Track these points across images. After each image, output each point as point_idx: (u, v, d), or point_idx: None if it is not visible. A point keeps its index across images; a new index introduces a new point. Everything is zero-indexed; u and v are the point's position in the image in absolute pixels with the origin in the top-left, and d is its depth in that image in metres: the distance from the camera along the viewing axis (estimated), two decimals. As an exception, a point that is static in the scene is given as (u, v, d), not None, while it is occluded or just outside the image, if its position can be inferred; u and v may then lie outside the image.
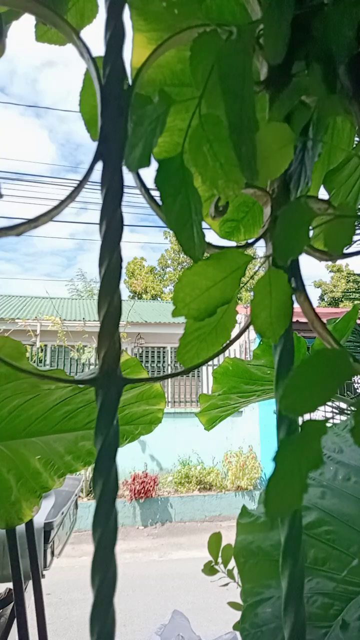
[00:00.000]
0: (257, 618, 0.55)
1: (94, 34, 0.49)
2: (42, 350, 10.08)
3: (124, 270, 0.37)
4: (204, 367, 9.11)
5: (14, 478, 0.80)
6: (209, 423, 1.09)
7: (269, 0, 0.37)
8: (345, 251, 0.37)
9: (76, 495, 2.25)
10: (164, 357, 11.81)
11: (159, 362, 11.74)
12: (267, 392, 1.01)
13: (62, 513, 1.85)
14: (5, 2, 0.38)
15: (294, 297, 0.37)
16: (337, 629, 0.53)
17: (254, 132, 0.33)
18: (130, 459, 7.45)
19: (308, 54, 0.39)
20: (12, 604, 1.47)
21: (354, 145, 0.52)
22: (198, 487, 7.38)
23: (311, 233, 0.34)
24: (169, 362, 11.68)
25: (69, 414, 0.77)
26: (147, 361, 11.64)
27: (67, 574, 4.49)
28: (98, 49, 0.37)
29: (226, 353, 8.91)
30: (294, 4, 0.37)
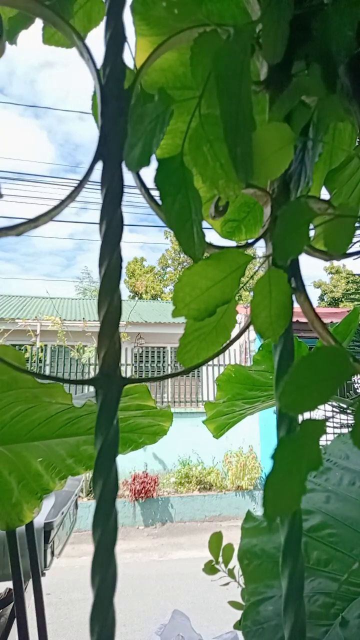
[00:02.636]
0: (259, 615, 0.56)
1: (95, 35, 0.49)
2: (42, 350, 10.08)
3: (124, 270, 0.37)
4: (204, 367, 9.11)
5: (15, 480, 0.80)
6: (217, 430, 1.08)
7: (268, 0, 0.37)
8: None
9: (76, 495, 2.25)
10: (164, 357, 11.81)
11: (159, 362, 11.73)
12: (271, 398, 1.01)
13: (62, 513, 1.85)
14: (5, 2, 0.38)
15: (294, 297, 0.37)
16: (338, 626, 0.53)
17: (250, 133, 0.33)
18: (130, 459, 7.44)
19: (308, 54, 0.39)
20: (12, 604, 1.48)
21: (356, 145, 0.52)
22: (198, 487, 7.37)
23: (312, 233, 0.34)
24: (169, 362, 11.68)
25: (71, 420, 0.77)
26: (147, 361, 11.64)
27: (67, 574, 4.48)
28: (99, 49, 0.37)
29: (226, 353, 8.90)
30: (294, 4, 0.37)
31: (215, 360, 8.96)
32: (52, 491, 0.84)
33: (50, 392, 0.67)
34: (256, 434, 8.00)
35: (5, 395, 0.66)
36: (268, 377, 0.96)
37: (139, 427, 0.84)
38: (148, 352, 11.67)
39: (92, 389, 0.34)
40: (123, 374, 0.34)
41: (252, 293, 0.35)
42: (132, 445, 0.85)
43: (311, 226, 0.34)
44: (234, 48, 0.33)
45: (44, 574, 1.51)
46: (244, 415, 1.09)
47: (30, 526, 1.19)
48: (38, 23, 0.47)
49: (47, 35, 0.52)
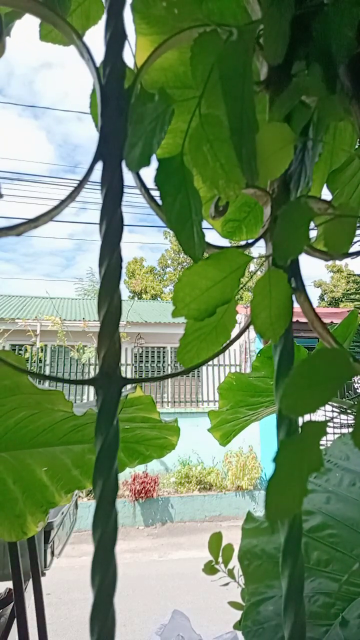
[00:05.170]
0: (259, 615, 0.56)
1: (95, 35, 0.49)
2: (42, 350, 10.08)
3: (124, 270, 0.37)
4: (204, 367, 9.11)
5: (20, 490, 0.78)
6: (224, 438, 1.08)
7: (269, 1, 0.37)
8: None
9: (76, 495, 2.25)
10: (164, 357, 11.81)
11: (159, 362, 11.73)
12: (274, 403, 1.01)
13: (62, 513, 1.85)
14: (5, 2, 0.38)
15: (294, 297, 0.37)
16: (338, 626, 0.53)
17: (254, 133, 0.33)
18: (130, 459, 7.42)
19: (308, 54, 0.39)
20: (12, 604, 1.48)
21: (357, 145, 0.52)
22: (198, 487, 7.37)
23: (314, 233, 0.34)
24: (169, 362, 11.68)
25: (76, 427, 0.76)
26: (147, 361, 11.63)
27: (67, 574, 4.48)
28: (99, 49, 0.37)
29: (226, 353, 8.88)
30: (294, 4, 0.37)
31: (215, 360, 8.95)
32: (58, 505, 0.81)
33: (51, 398, 0.66)
34: (256, 434, 8.00)
35: (9, 400, 0.66)
36: (269, 383, 0.96)
37: (146, 439, 0.82)
38: (148, 352, 11.66)
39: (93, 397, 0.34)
40: (123, 374, 0.34)
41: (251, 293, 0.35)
42: (139, 457, 0.84)
43: (313, 226, 0.34)
44: (237, 49, 0.33)
45: (44, 574, 1.51)
46: (249, 422, 1.09)
47: (30, 526, 1.19)
48: (35, 21, 0.47)
49: (43, 32, 0.52)
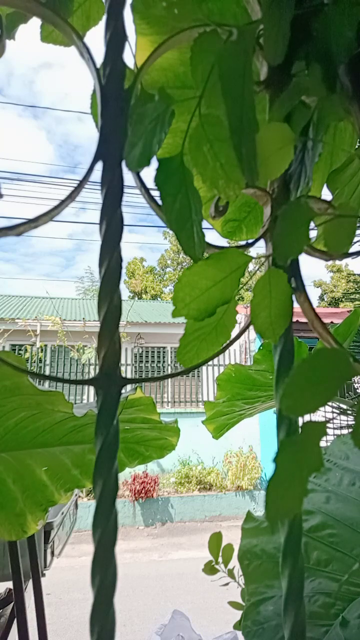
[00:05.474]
0: (259, 615, 0.56)
1: (95, 35, 0.49)
2: (42, 350, 10.08)
3: (124, 270, 0.37)
4: (204, 367, 9.11)
5: (20, 489, 0.78)
6: (217, 431, 1.08)
7: (269, 1, 0.37)
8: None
9: (76, 495, 2.25)
10: (164, 357, 11.81)
11: (159, 362, 11.73)
12: (272, 398, 1.01)
13: (62, 513, 1.85)
14: (5, 2, 0.38)
15: (294, 297, 0.37)
16: (338, 626, 0.53)
17: (254, 133, 0.33)
18: (130, 459, 7.42)
19: (308, 54, 0.39)
20: (12, 604, 1.47)
21: (357, 145, 0.52)
22: (198, 487, 7.37)
23: (314, 233, 0.34)
24: (169, 362, 11.68)
25: (76, 428, 0.77)
26: (147, 361, 11.63)
27: (67, 574, 4.48)
28: (99, 49, 0.37)
29: (226, 353, 8.88)
30: (294, 4, 0.37)
31: (215, 360, 8.95)
32: (57, 503, 0.81)
33: (51, 400, 0.66)
34: (256, 434, 8.00)
35: (9, 401, 0.66)
36: (268, 377, 0.96)
37: (146, 440, 0.82)
38: (148, 352, 11.66)
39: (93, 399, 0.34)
40: (123, 374, 0.34)
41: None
42: (139, 458, 0.84)
43: (313, 226, 0.34)
44: (237, 49, 0.33)
45: (44, 574, 1.51)
46: (243, 416, 1.08)
47: (30, 526, 1.19)
48: (36, 22, 0.47)
49: (45, 33, 0.52)
